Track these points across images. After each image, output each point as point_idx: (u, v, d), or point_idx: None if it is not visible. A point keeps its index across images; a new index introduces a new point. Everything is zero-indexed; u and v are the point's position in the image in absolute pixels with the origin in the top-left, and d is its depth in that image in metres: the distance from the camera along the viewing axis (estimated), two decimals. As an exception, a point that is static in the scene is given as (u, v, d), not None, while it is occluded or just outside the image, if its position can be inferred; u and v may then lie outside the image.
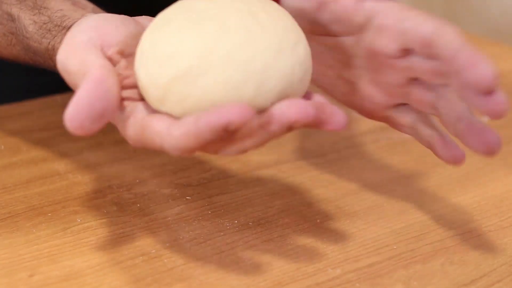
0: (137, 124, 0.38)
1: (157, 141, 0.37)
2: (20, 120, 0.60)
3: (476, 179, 0.54)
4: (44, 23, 0.45)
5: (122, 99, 0.39)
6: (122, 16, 0.42)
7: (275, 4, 0.41)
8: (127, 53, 0.40)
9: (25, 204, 0.48)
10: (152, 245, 0.44)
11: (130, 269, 0.42)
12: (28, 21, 0.46)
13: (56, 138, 0.57)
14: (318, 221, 0.47)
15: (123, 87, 0.40)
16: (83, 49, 0.39)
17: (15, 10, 0.47)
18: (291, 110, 0.36)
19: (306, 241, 0.45)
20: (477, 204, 0.50)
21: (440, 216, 0.49)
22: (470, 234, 0.47)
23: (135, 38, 0.41)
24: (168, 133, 0.36)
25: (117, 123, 0.40)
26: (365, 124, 0.59)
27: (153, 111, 0.39)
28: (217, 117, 0.35)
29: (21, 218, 0.47)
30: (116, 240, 0.45)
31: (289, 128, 0.37)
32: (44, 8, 0.45)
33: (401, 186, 0.53)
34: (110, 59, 0.39)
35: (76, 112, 0.36)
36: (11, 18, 0.47)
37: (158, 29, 0.39)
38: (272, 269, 0.42)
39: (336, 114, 0.37)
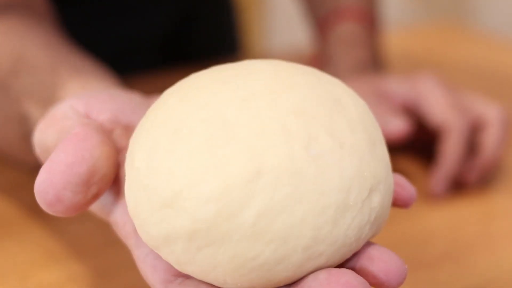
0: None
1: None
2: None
3: (484, 186, 0.53)
4: None
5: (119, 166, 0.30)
6: (112, 90, 0.34)
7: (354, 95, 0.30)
8: (123, 122, 0.32)
9: (17, 208, 0.47)
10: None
11: (127, 275, 0.41)
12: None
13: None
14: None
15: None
16: (63, 118, 0.31)
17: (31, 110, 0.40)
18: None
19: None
20: (484, 210, 0.50)
21: (445, 221, 0.48)
22: (475, 240, 0.46)
23: (128, 110, 0.32)
24: None
25: (102, 208, 0.31)
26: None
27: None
28: None
29: (13, 222, 0.46)
30: (112, 245, 0.44)
31: None
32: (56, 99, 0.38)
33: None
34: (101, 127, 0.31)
35: (50, 181, 0.26)
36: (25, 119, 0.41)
37: (159, 146, 0.27)
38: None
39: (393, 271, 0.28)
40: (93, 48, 0.65)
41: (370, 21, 0.62)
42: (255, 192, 0.25)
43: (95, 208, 0.31)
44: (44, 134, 0.31)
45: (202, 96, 0.27)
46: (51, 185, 0.26)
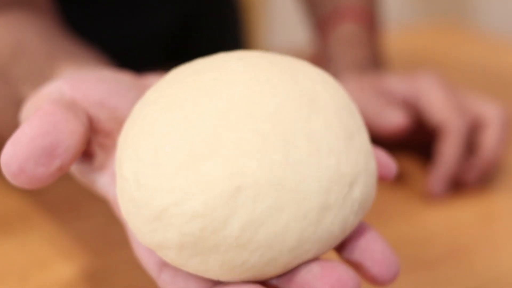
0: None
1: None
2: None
3: (484, 186, 0.53)
4: None
5: (91, 144, 0.32)
6: (101, 72, 0.34)
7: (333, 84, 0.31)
8: (110, 105, 0.32)
9: (17, 208, 0.47)
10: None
11: (125, 276, 0.41)
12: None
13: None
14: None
15: (96, 132, 0.32)
16: (45, 98, 0.32)
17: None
18: (322, 280, 0.27)
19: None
20: (484, 210, 0.50)
21: (445, 221, 0.48)
22: (475, 240, 0.46)
23: (116, 94, 0.33)
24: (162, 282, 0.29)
25: (84, 178, 0.32)
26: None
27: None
28: None
29: (13, 223, 0.46)
30: (112, 245, 0.44)
31: None
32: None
33: (407, 189, 0.52)
34: (86, 111, 0.32)
35: (14, 151, 0.27)
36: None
37: (145, 136, 0.28)
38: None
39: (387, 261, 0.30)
40: (98, 47, 0.65)
41: (370, 21, 0.62)
42: (237, 207, 0.26)
43: (101, 190, 0.32)
44: (22, 113, 0.32)
45: (183, 108, 0.28)
46: (14, 156, 0.27)
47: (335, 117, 0.28)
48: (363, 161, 0.29)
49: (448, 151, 0.50)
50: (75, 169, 0.33)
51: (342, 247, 0.30)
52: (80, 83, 0.32)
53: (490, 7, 1.73)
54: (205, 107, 0.27)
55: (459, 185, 0.52)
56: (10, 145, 0.27)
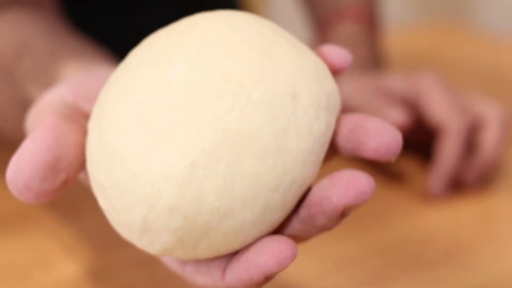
0: None
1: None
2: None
3: (483, 186, 0.53)
4: None
5: None
6: (102, 71, 0.35)
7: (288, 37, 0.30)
8: None
9: (17, 208, 0.47)
10: (148, 250, 0.43)
11: (126, 275, 0.41)
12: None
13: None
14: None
15: None
16: (47, 107, 0.32)
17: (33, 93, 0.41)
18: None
19: (311, 243, 0.44)
20: (484, 210, 0.50)
21: (445, 221, 0.48)
22: (475, 240, 0.46)
23: None
24: (189, 276, 0.30)
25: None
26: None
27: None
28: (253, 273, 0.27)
29: (13, 222, 0.46)
30: (112, 245, 0.44)
31: None
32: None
33: (407, 189, 0.52)
34: (88, 116, 0.32)
35: (18, 169, 0.27)
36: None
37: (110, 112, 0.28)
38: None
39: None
40: (100, 44, 0.65)
41: (371, 20, 0.62)
42: (202, 180, 0.26)
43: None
44: (27, 123, 0.32)
45: (143, 83, 0.28)
46: (19, 174, 0.27)
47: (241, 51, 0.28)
48: (295, 68, 0.28)
49: (448, 151, 0.50)
50: (82, 177, 0.33)
51: (338, 143, 0.29)
52: (81, 88, 0.32)
53: (490, 7, 1.73)
54: (165, 83, 0.27)
55: (459, 185, 0.52)
56: (14, 162, 0.27)
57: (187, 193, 0.26)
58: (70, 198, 0.49)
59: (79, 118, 0.31)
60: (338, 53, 0.31)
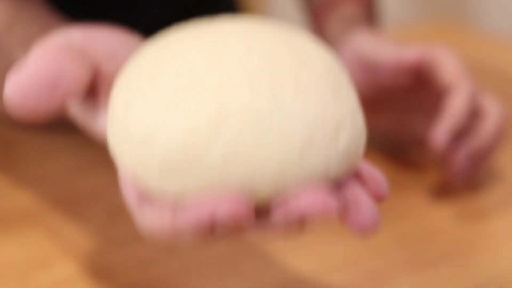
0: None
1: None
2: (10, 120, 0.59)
3: (483, 185, 0.53)
4: None
5: (95, 91, 0.32)
6: (112, 29, 0.35)
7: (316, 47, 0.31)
8: (117, 60, 0.33)
9: (17, 208, 0.47)
10: (147, 250, 0.43)
11: (124, 274, 0.41)
12: None
13: (47, 141, 0.56)
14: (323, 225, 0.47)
15: (101, 81, 0.32)
16: (54, 39, 0.32)
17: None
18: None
19: (311, 242, 0.44)
20: (484, 210, 0.50)
21: (446, 221, 0.48)
22: (476, 240, 0.46)
23: (123, 51, 0.34)
24: (140, 212, 0.29)
25: (86, 118, 0.33)
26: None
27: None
28: (197, 214, 0.27)
29: (13, 222, 0.46)
30: (112, 245, 0.44)
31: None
32: None
33: (408, 189, 0.52)
34: (94, 59, 0.32)
35: (18, 81, 0.28)
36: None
37: (138, 95, 0.29)
38: (273, 273, 0.42)
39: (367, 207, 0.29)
40: None
41: (369, 4, 0.62)
42: (220, 136, 0.27)
43: (100, 128, 0.33)
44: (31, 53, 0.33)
45: (176, 49, 0.29)
46: (18, 86, 0.28)
47: (323, 74, 0.29)
48: (350, 111, 0.29)
49: (456, 103, 0.49)
50: (78, 109, 0.33)
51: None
52: (92, 33, 0.33)
53: (490, 7, 1.73)
54: (198, 51, 0.29)
55: (453, 176, 0.51)
56: (13, 77, 0.28)
57: (202, 137, 0.27)
58: (70, 198, 0.49)
59: (84, 56, 0.32)
60: (378, 183, 0.30)
